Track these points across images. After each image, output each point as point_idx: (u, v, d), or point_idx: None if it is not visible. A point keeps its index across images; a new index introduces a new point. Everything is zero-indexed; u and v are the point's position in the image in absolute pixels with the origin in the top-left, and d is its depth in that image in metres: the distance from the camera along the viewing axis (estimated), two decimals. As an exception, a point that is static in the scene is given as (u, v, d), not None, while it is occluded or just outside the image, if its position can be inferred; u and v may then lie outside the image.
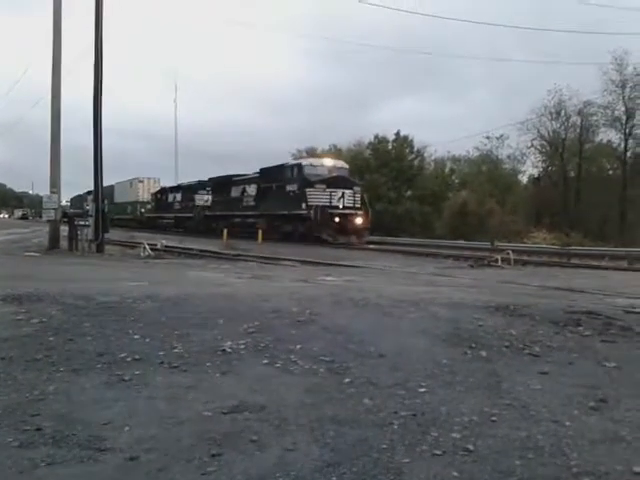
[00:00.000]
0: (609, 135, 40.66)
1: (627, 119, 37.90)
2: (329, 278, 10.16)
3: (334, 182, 25.00)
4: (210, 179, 36.23)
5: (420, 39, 60.22)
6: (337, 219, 23.95)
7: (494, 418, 3.04)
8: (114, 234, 22.20)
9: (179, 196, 40.48)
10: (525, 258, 17.69)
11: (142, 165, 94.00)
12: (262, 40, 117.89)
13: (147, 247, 16.24)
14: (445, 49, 66.45)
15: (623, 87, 37.26)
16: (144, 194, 46.72)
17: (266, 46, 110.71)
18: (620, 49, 35.50)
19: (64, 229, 17.35)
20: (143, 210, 46.19)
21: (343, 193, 24.78)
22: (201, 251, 18.03)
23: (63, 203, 24.86)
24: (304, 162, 27.37)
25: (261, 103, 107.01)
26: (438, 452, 2.59)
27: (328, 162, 27.47)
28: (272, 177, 27.67)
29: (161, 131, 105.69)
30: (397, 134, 49.21)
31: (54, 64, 16.35)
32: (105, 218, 16.68)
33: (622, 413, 3.19)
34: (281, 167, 28.72)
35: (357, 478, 2.36)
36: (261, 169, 30.07)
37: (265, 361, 4.10)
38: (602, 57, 37.52)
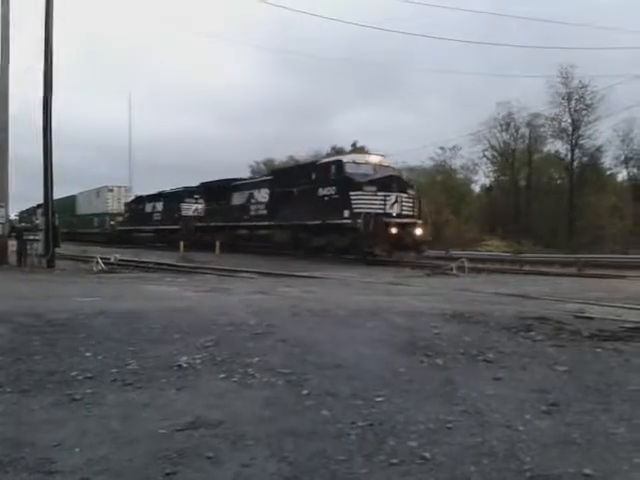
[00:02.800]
0: (557, 146, 42.35)
1: (573, 130, 39.53)
2: (288, 289, 10.14)
3: (387, 184, 19.98)
4: (202, 184, 31.96)
5: (375, 50, 61.29)
6: (394, 230, 19.08)
7: (450, 425, 3.08)
8: (68, 249, 21.61)
9: (160, 205, 35.83)
10: (479, 266, 18.10)
11: (95, 177, 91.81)
12: (216, 50, 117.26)
13: (100, 261, 15.86)
14: (400, 60, 67.77)
15: (569, 100, 38.88)
16: (114, 204, 42.11)
17: (220, 56, 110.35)
18: (566, 63, 37.02)
19: (13, 244, 16.77)
20: (113, 223, 41.35)
21: (397, 197, 19.80)
22: (157, 264, 17.71)
23: (12, 217, 24.06)
24: (345, 159, 21.70)
25: (216, 115, 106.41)
26: (395, 461, 2.60)
27: (374, 159, 22.18)
28: (293, 179, 22.98)
29: (113, 143, 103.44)
30: (354, 145, 49.88)
31: (1, 72, 15.86)
32: (56, 232, 16.20)
33: (573, 416, 3.28)
34: (308, 167, 23.82)
35: (315, 491, 2.34)
36: (273, 170, 26.01)
37: (222, 375, 4.04)
38: (552, 70, 39.01)
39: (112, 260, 17.30)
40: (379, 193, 19.59)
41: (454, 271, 15.54)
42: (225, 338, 5.20)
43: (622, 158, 41.41)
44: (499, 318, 6.53)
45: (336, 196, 20.41)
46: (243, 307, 7.24)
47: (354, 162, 21.21)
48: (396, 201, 19.74)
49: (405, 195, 20.24)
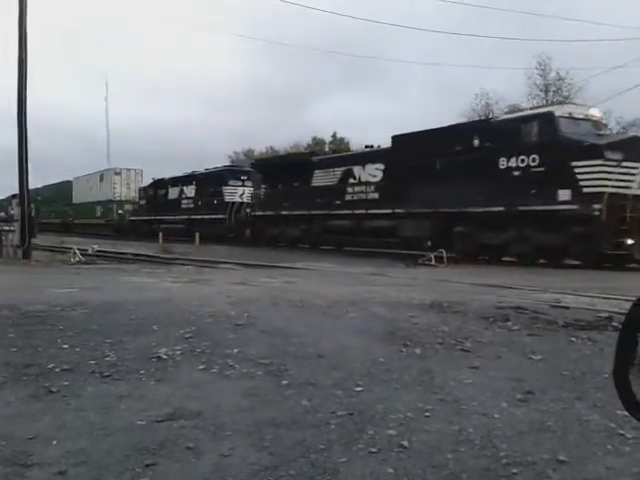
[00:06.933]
0: (534, 137, 42.56)
1: (551, 122, 39.82)
2: (268, 280, 10.13)
3: (633, 149, 13.31)
4: (257, 162, 26.10)
5: (355, 40, 61.09)
6: None
7: (428, 413, 3.12)
8: (53, 241, 21.30)
9: (191, 190, 29.41)
10: (457, 256, 18.20)
11: (72, 167, 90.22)
12: (194, 39, 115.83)
13: (77, 252, 15.66)
14: (382, 50, 67.62)
15: (546, 92, 39.14)
16: (122, 190, 36.18)
17: (198, 45, 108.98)
18: (544, 54, 37.25)
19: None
20: (122, 212, 35.36)
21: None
22: (135, 255, 17.56)
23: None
24: (558, 111, 14.29)
25: (195, 103, 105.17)
26: (374, 450, 2.63)
27: (595, 112, 15.03)
28: (433, 147, 15.91)
29: (91, 133, 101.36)
30: (334, 136, 49.85)
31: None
32: (32, 222, 15.95)
33: (548, 404, 3.33)
34: (469, 127, 16.22)
35: (294, 480, 2.36)
36: (394, 137, 17.74)
37: (202, 366, 4.03)
38: (532, 61, 39.22)
39: (90, 251, 17.11)
40: (624, 164, 12.90)
41: (433, 262, 15.65)
42: (205, 329, 5.19)
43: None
44: (477, 308, 6.62)
45: (540, 168, 13.86)
46: (223, 298, 7.22)
47: (571, 117, 14.13)
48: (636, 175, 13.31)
49: None
